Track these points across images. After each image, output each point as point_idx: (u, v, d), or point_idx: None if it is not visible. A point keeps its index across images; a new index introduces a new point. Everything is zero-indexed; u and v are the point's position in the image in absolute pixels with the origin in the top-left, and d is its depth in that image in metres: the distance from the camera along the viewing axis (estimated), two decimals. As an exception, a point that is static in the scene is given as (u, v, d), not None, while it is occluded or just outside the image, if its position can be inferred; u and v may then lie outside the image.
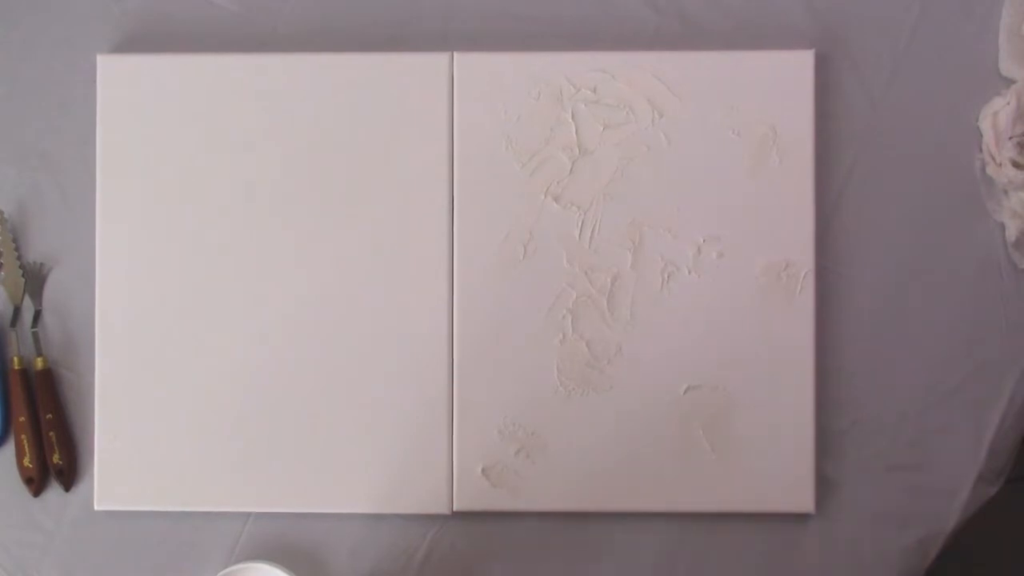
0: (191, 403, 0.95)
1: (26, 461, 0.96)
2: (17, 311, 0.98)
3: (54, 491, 0.97)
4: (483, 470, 0.94)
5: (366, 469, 0.94)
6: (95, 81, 0.96)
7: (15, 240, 0.98)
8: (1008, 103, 0.95)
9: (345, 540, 0.96)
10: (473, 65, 0.95)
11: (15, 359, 0.97)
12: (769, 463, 0.94)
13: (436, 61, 0.95)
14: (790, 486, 0.94)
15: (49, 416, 0.96)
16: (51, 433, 0.96)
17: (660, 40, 0.97)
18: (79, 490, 0.97)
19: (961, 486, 0.96)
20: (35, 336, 0.97)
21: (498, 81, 0.95)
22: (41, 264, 0.98)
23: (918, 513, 0.96)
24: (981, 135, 0.96)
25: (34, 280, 0.98)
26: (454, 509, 0.94)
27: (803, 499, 0.94)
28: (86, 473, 0.97)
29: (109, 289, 0.96)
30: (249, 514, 0.96)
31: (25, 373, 0.97)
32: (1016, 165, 0.95)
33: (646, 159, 0.94)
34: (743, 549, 0.96)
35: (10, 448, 0.97)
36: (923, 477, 0.96)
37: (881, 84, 0.97)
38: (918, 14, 0.97)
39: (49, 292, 0.98)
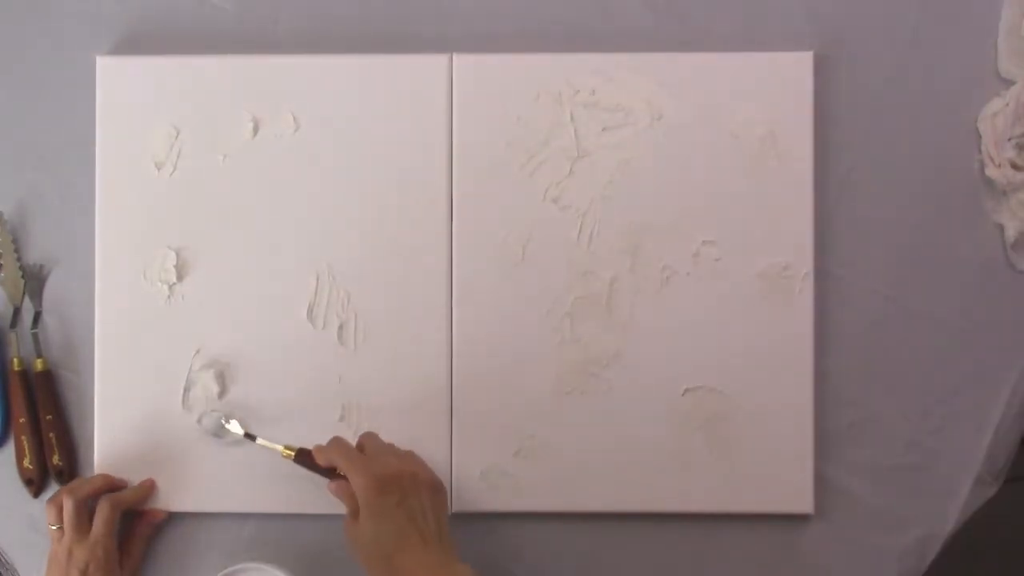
0: (191, 404, 0.95)
1: (26, 462, 0.96)
2: (17, 312, 0.98)
3: (54, 492, 0.97)
4: (482, 472, 0.94)
5: (365, 470, 0.94)
6: (94, 82, 0.96)
7: (15, 241, 0.98)
8: (1007, 104, 0.95)
9: (345, 540, 0.96)
10: (472, 67, 0.95)
11: (15, 360, 0.97)
12: (768, 464, 0.94)
13: (435, 63, 0.95)
14: (789, 487, 0.94)
15: (49, 417, 0.96)
16: (51, 434, 0.96)
17: (659, 42, 0.97)
18: (79, 491, 0.97)
19: (960, 486, 0.96)
20: (35, 337, 0.97)
21: (497, 83, 0.95)
22: (41, 265, 0.98)
23: (918, 513, 0.96)
24: (980, 136, 0.96)
25: (34, 281, 0.98)
26: (453, 510, 0.94)
27: (802, 500, 0.94)
28: (86, 474, 0.97)
29: (109, 289, 0.96)
30: (249, 514, 0.96)
31: (25, 374, 0.97)
32: (1015, 166, 0.95)
33: (645, 161, 0.94)
34: (743, 549, 0.96)
35: (10, 449, 0.97)
36: (923, 477, 0.96)
37: (880, 85, 0.97)
38: (917, 15, 0.97)
39: (49, 293, 0.98)
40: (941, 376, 0.96)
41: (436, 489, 0.86)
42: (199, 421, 0.94)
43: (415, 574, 0.81)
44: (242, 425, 0.93)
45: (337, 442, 0.87)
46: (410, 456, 0.89)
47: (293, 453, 0.90)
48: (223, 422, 0.93)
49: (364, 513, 0.82)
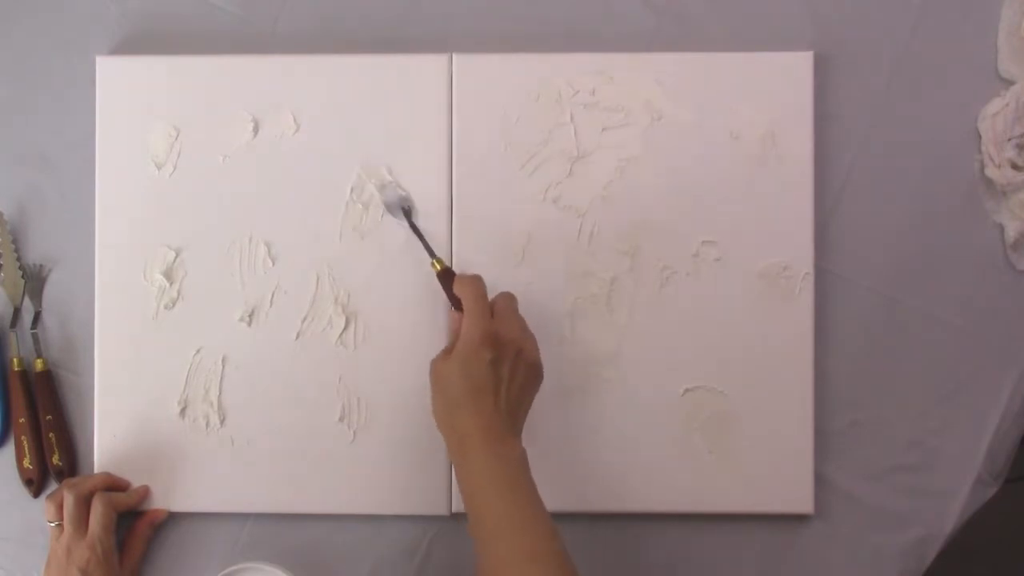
0: (190, 404, 0.95)
1: (26, 462, 0.96)
2: (17, 312, 0.98)
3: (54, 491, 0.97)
4: (482, 471, 0.94)
5: (366, 470, 0.94)
6: (94, 82, 0.96)
7: (15, 241, 0.98)
8: (1007, 104, 0.95)
9: (345, 540, 0.96)
10: (472, 67, 0.95)
11: (15, 360, 0.97)
12: (768, 464, 0.94)
13: (435, 63, 0.95)
14: (789, 487, 0.94)
15: (49, 417, 0.96)
16: (51, 434, 0.96)
17: (659, 42, 0.97)
18: (79, 491, 0.97)
19: (960, 486, 0.96)
20: (35, 337, 0.97)
21: (497, 83, 0.95)
22: (41, 265, 0.98)
23: (918, 513, 0.96)
24: (980, 136, 0.96)
25: (34, 281, 0.98)
26: (453, 510, 0.94)
27: (802, 500, 0.94)
28: (86, 474, 0.97)
29: (109, 290, 0.96)
30: (249, 514, 0.96)
31: (25, 374, 0.97)
32: (1015, 167, 0.95)
33: (645, 161, 0.94)
34: (743, 549, 0.96)
35: (10, 449, 0.97)
36: (923, 477, 0.96)
37: (880, 85, 0.97)
38: (918, 15, 0.97)
39: (49, 293, 0.98)
40: (941, 376, 0.96)
41: (535, 372, 0.86)
42: (380, 190, 0.94)
43: (471, 432, 0.81)
44: (413, 215, 0.94)
45: (474, 283, 0.86)
46: (530, 336, 0.87)
47: (440, 268, 0.90)
48: (400, 203, 0.94)
49: (456, 355, 0.83)
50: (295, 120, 0.95)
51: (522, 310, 0.89)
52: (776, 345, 0.94)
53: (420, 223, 0.94)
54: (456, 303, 0.87)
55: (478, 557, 0.79)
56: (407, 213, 0.94)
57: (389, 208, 0.94)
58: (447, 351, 0.84)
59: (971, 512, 0.96)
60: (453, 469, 0.82)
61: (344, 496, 0.95)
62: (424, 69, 0.95)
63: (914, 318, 0.96)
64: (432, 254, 0.91)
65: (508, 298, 0.88)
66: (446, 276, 0.89)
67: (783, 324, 0.94)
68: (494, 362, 0.82)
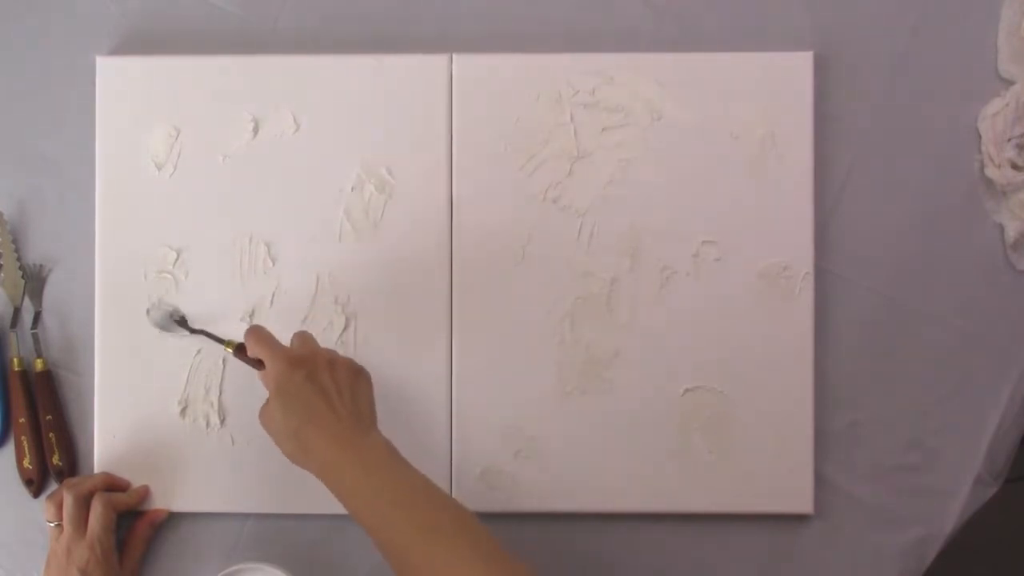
0: (191, 404, 0.95)
1: (26, 462, 0.96)
2: (17, 312, 0.98)
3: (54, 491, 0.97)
4: (482, 472, 0.94)
5: (365, 470, 0.94)
6: (94, 83, 0.96)
7: (15, 241, 0.98)
8: (1007, 104, 0.95)
9: (345, 540, 0.96)
10: (472, 67, 0.95)
11: (15, 360, 0.97)
12: (768, 464, 0.94)
13: (435, 63, 0.95)
14: (789, 487, 0.94)
15: (49, 417, 0.96)
16: (51, 434, 0.96)
17: (659, 42, 0.97)
18: (79, 491, 0.97)
19: (961, 486, 0.96)
20: (35, 337, 0.97)
21: (497, 83, 0.95)
22: (41, 265, 0.98)
23: (918, 513, 0.96)
24: (980, 136, 0.96)
25: (34, 281, 0.98)
26: (453, 510, 0.94)
27: (802, 500, 0.94)
28: (85, 474, 0.97)
29: (109, 290, 0.96)
30: (249, 514, 0.96)
31: (25, 374, 0.97)
32: (1015, 167, 0.95)
33: (645, 161, 0.94)
34: (743, 549, 0.96)
35: (10, 449, 0.97)
36: (923, 477, 0.96)
37: (880, 85, 0.97)
38: (918, 15, 0.97)
39: (49, 293, 0.98)
40: (941, 376, 0.96)
41: (356, 371, 0.84)
42: (147, 313, 0.94)
43: (323, 447, 0.79)
44: (189, 320, 0.94)
45: (256, 330, 0.85)
46: (333, 351, 0.85)
47: (233, 347, 0.89)
48: (171, 316, 0.94)
49: (272, 391, 0.81)
50: (295, 120, 0.95)
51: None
52: (776, 345, 0.94)
53: (420, 223, 0.95)
54: (260, 365, 0.85)
55: (388, 556, 0.77)
56: (183, 322, 0.94)
57: (163, 327, 0.94)
58: (267, 402, 0.82)
59: (971, 512, 0.96)
60: (338, 498, 0.79)
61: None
62: (424, 69, 0.95)
63: (914, 318, 0.96)
64: (222, 341, 0.91)
65: (302, 334, 0.86)
66: (240, 350, 0.88)
67: (783, 324, 0.94)
68: (310, 376, 0.80)
